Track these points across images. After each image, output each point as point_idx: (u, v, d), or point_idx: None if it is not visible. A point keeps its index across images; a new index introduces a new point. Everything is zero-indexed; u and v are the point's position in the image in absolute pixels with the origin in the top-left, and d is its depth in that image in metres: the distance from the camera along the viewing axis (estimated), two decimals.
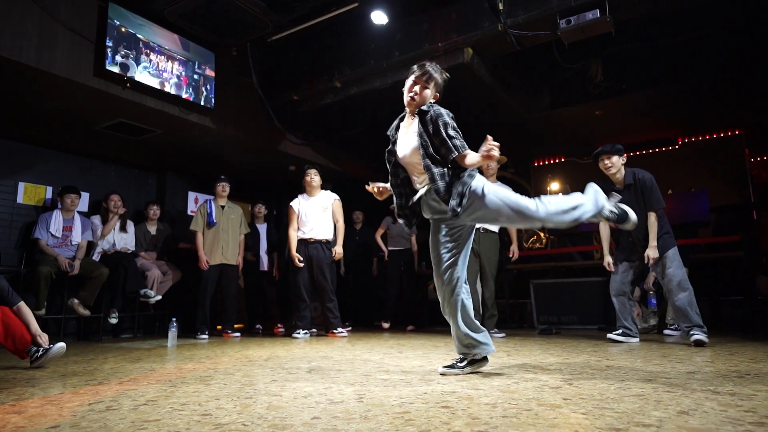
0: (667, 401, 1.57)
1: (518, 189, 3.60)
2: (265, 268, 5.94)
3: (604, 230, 3.96)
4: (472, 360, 2.29)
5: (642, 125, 6.66)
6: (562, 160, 7.92)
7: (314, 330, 5.47)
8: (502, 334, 4.45)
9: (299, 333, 4.73)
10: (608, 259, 3.87)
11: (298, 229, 4.89)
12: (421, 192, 2.29)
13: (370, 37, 5.03)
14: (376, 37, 5.00)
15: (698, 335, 3.28)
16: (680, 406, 1.49)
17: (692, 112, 6.39)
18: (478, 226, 3.82)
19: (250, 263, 5.75)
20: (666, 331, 4.29)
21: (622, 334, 3.69)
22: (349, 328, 5.59)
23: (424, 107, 2.31)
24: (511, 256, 4.88)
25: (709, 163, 6.87)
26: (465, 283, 2.31)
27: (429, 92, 2.36)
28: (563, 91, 5.99)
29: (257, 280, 5.88)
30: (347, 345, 3.83)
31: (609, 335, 3.74)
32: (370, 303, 6.64)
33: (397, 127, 2.45)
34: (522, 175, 7.95)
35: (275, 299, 5.98)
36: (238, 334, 5.17)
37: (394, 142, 2.41)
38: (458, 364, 2.29)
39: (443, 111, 2.28)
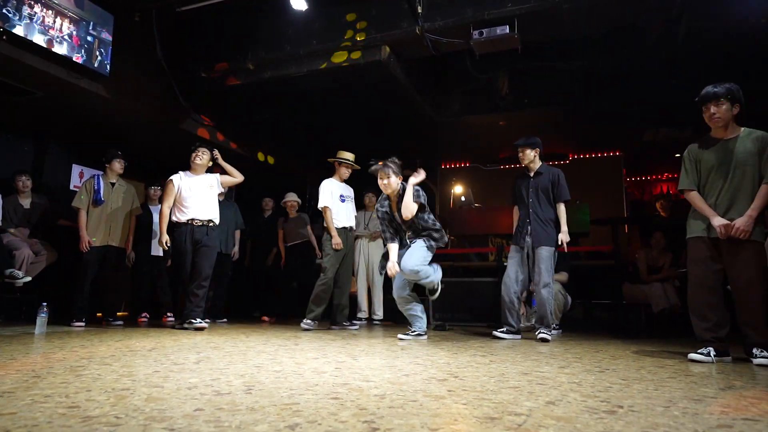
0: (538, 393, 1.71)
1: (424, 190, 3.75)
2: (157, 253, 5.56)
3: (516, 215, 4.23)
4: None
5: (541, 139, 7.19)
6: (467, 165, 8.32)
7: (208, 320, 5.24)
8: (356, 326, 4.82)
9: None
10: None
11: (180, 209, 4.40)
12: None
13: (288, 22, 4.91)
14: (295, 23, 4.89)
15: (543, 333, 3.75)
16: (548, 397, 1.63)
17: (582, 131, 7.03)
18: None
19: (140, 247, 5.33)
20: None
21: (507, 332, 3.96)
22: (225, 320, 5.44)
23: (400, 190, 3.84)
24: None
25: (592, 179, 7.61)
26: None
27: (393, 179, 3.83)
28: (472, 100, 6.29)
29: (147, 265, 5.47)
30: (241, 336, 3.71)
31: (494, 332, 4.00)
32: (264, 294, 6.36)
33: (387, 198, 3.94)
34: (428, 177, 8.20)
35: (165, 287, 5.60)
36: (120, 321, 4.79)
37: (390, 206, 3.90)
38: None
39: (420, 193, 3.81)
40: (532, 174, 4.11)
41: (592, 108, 6.04)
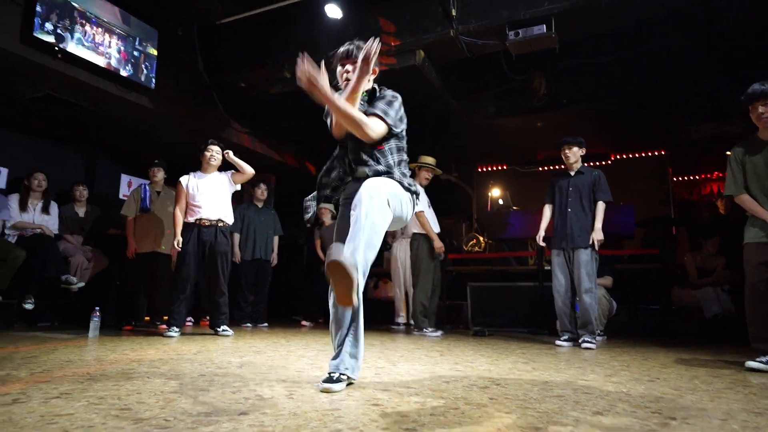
0: (585, 402, 1.65)
1: (461, 193, 3.71)
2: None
3: (547, 213, 4.16)
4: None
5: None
6: (504, 167, 8.19)
7: (249, 324, 5.35)
8: (438, 333, 4.61)
9: (173, 331, 4.04)
10: (541, 234, 4.14)
11: (189, 210, 4.28)
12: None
13: (323, 30, 4.97)
14: (329, 30, 4.94)
15: (588, 342, 3.66)
16: (596, 407, 1.57)
17: (624, 130, 6.79)
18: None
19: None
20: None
21: (568, 339, 3.85)
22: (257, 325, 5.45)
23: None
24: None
25: (636, 180, 7.33)
26: None
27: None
28: (507, 101, 6.18)
29: None
30: (282, 341, 3.77)
31: (557, 341, 3.86)
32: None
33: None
34: (465, 180, 8.14)
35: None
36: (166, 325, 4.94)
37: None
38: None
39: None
40: (573, 173, 4.07)
41: (633, 104, 5.82)
